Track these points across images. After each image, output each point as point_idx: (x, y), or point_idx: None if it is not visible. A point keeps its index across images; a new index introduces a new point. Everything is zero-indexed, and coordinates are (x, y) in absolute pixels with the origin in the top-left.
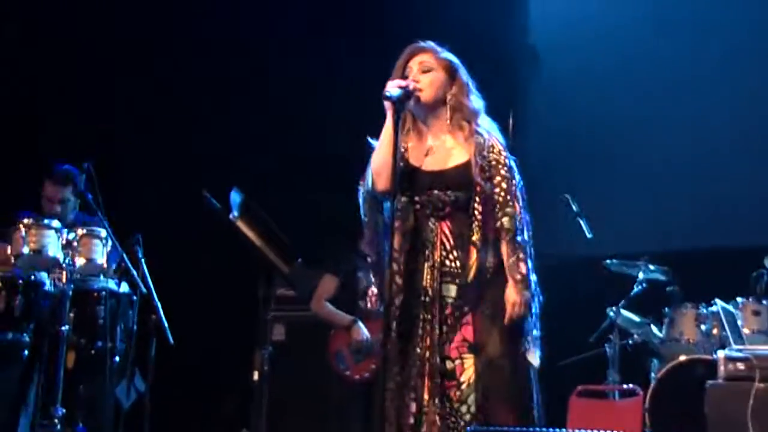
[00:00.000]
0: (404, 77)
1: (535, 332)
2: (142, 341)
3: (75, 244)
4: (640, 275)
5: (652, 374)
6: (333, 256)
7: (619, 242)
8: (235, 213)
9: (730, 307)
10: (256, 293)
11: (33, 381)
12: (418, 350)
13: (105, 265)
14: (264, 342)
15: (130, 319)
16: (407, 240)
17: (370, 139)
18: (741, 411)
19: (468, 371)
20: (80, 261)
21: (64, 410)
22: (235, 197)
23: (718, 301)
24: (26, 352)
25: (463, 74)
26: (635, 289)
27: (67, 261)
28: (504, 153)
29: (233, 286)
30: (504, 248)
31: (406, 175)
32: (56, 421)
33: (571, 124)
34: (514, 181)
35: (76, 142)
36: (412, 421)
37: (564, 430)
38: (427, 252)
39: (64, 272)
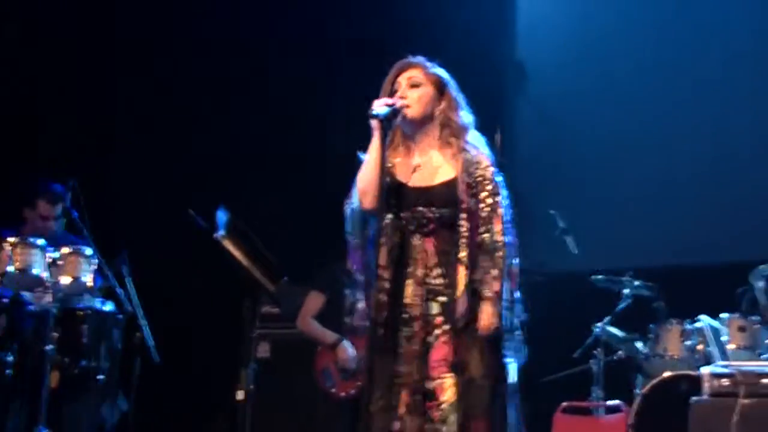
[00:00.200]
0: (393, 92)
1: (513, 349)
2: (127, 360)
3: (60, 262)
4: (626, 291)
5: (637, 390)
6: (320, 272)
7: (605, 258)
8: (221, 231)
9: (715, 323)
10: (241, 311)
11: (17, 401)
12: (401, 368)
13: (90, 284)
14: (249, 360)
15: (115, 338)
16: (392, 256)
17: (359, 154)
18: (725, 427)
19: (448, 391)
20: (66, 280)
21: (48, 430)
22: (221, 216)
23: (703, 317)
24: (10, 371)
25: (453, 89)
26: (620, 305)
27: (51, 280)
28: (491, 169)
29: (218, 305)
30: (481, 263)
31: (392, 191)
32: None
33: (558, 140)
34: (499, 198)
35: (61, 157)
36: None
37: None
38: (410, 268)
39: (49, 291)
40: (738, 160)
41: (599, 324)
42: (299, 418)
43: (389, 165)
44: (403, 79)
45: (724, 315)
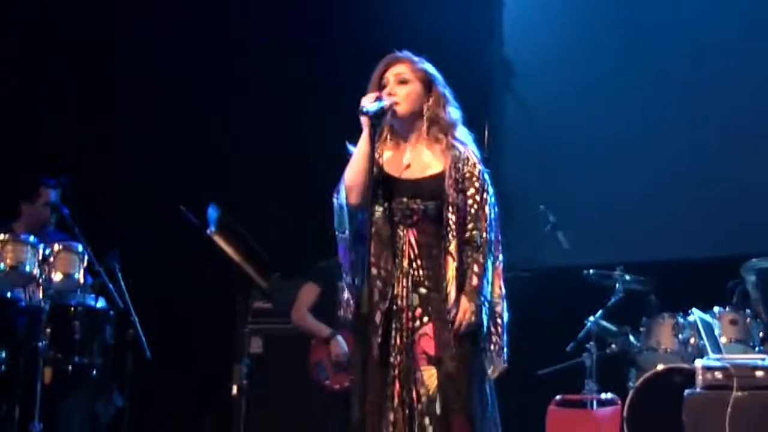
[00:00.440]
0: (381, 88)
1: (498, 345)
2: (120, 356)
3: (51, 259)
4: (617, 285)
5: (630, 383)
6: (312, 265)
7: (597, 253)
8: (213, 228)
9: (708, 317)
10: (233, 307)
11: (10, 397)
12: (393, 360)
13: (82, 281)
14: (242, 355)
15: (107, 334)
16: (381, 248)
17: (348, 145)
18: (719, 420)
19: (427, 383)
20: (57, 276)
21: (41, 426)
22: (213, 212)
23: (695, 310)
24: (3, 368)
25: (440, 85)
26: (612, 299)
27: (43, 277)
28: (479, 166)
29: (210, 301)
30: (465, 258)
31: (380, 183)
32: None
33: (546, 136)
34: (486, 195)
35: (54, 155)
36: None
37: None
38: (396, 260)
39: (40, 288)
40: (729, 154)
41: (591, 318)
42: (292, 412)
43: (377, 156)
44: (390, 75)
45: (716, 309)
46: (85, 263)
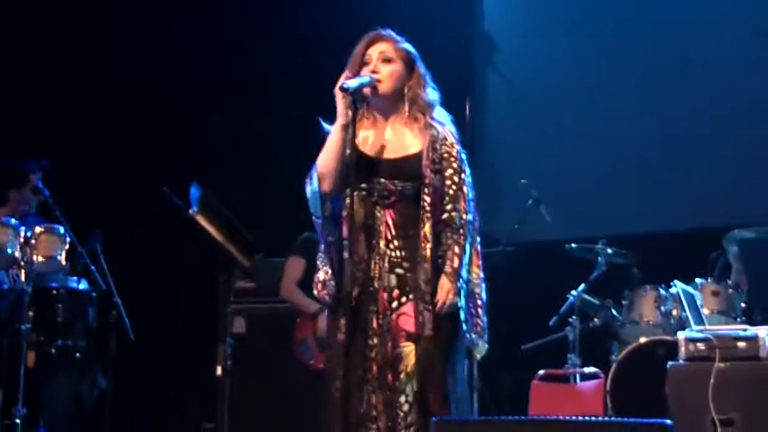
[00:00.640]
0: (363, 64)
1: (480, 327)
2: (103, 338)
3: (33, 242)
4: (600, 258)
5: (613, 357)
6: (298, 240)
7: (579, 227)
8: (195, 208)
9: (690, 289)
10: (215, 287)
11: None
12: (371, 341)
13: (64, 263)
14: (225, 335)
15: (90, 316)
16: (357, 229)
17: (322, 122)
18: (702, 391)
19: (405, 360)
20: (39, 259)
21: (25, 409)
22: (195, 192)
23: (677, 282)
24: None
25: (421, 66)
26: (595, 273)
27: (25, 259)
28: (456, 146)
29: (193, 281)
30: (444, 239)
31: (357, 163)
32: (18, 420)
33: (529, 110)
34: (464, 175)
35: (32, 138)
36: (365, 412)
37: (526, 415)
38: (372, 241)
39: (23, 270)
40: (711, 126)
41: (574, 292)
42: (277, 392)
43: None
44: (374, 52)
45: (698, 280)
46: (67, 245)
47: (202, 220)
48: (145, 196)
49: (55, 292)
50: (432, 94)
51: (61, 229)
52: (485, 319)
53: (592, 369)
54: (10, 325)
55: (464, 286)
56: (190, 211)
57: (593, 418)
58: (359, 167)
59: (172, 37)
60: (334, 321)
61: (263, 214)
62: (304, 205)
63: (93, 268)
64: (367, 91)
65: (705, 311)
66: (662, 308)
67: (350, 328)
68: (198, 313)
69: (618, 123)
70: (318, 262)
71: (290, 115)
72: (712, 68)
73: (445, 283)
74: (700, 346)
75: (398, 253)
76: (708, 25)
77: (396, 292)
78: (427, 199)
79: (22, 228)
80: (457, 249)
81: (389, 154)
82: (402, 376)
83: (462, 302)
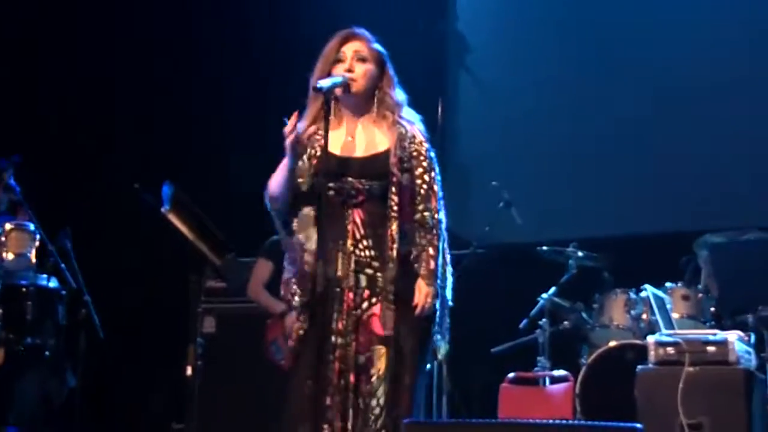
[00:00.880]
0: (336, 61)
1: (444, 327)
2: (73, 336)
3: (3, 239)
4: (571, 262)
5: (583, 360)
6: (266, 242)
7: (550, 229)
8: (167, 206)
9: (660, 293)
10: (185, 286)
11: None
12: (334, 342)
13: (34, 260)
14: (195, 335)
15: (60, 314)
16: (324, 228)
17: (285, 120)
18: (671, 395)
19: (377, 363)
20: (9, 256)
21: None
22: (167, 190)
23: (647, 286)
24: None
25: (390, 67)
26: (566, 276)
27: None
28: (425, 145)
29: (163, 280)
30: (418, 240)
31: (323, 161)
32: None
33: (500, 112)
34: (433, 174)
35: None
36: (333, 416)
37: (495, 417)
38: (340, 240)
39: None
40: (682, 130)
41: (545, 295)
42: (247, 392)
43: (318, 137)
44: (348, 50)
45: (668, 284)
46: (37, 243)
47: (173, 219)
48: (116, 194)
49: (24, 289)
50: (400, 94)
51: (32, 227)
52: (448, 320)
53: (561, 372)
54: None
55: (440, 286)
56: (162, 209)
57: (565, 422)
58: (327, 166)
59: (133, 37)
60: (298, 321)
61: (234, 213)
62: (249, 182)
63: (63, 265)
64: (338, 90)
65: (675, 315)
66: (632, 312)
67: (313, 328)
68: (168, 313)
69: (589, 126)
70: (285, 263)
71: (261, 115)
72: (684, 71)
73: (423, 287)
74: (670, 350)
75: (368, 252)
76: (682, 25)
77: (366, 292)
78: (395, 198)
79: None
80: (431, 250)
81: (357, 153)
82: (374, 379)
83: (438, 303)
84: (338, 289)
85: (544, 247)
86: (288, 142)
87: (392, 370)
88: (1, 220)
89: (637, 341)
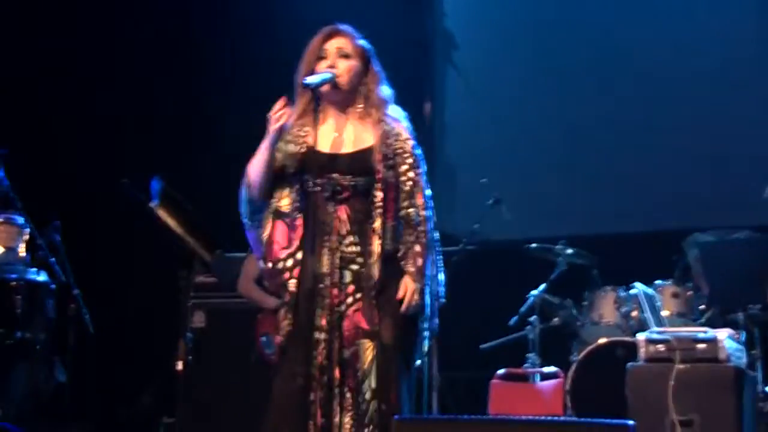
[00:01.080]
0: (320, 58)
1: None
2: (62, 331)
3: None
4: (560, 259)
5: (573, 357)
6: None
7: (539, 226)
8: (156, 201)
9: (650, 290)
10: (176, 281)
11: None
12: (319, 336)
13: (23, 254)
14: (185, 330)
15: (49, 308)
16: (308, 224)
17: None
18: (661, 392)
19: (363, 356)
20: None
21: None
22: (156, 185)
23: (637, 284)
24: None
25: (376, 63)
26: (555, 273)
27: None
28: (411, 142)
29: (153, 275)
30: (405, 237)
31: (307, 157)
32: None
33: (489, 108)
34: (419, 171)
35: None
36: (315, 411)
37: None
38: (325, 237)
39: None
40: (671, 129)
41: (534, 291)
42: (237, 386)
43: (303, 134)
44: (331, 47)
45: (658, 282)
46: (27, 236)
47: (162, 214)
48: (106, 188)
49: (14, 283)
50: (386, 90)
51: (21, 220)
52: (436, 320)
53: (551, 369)
54: None
55: (428, 284)
56: (151, 204)
57: (557, 418)
58: (311, 163)
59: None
60: (284, 317)
61: (224, 209)
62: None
63: (52, 259)
64: (326, 87)
65: (665, 313)
66: (622, 309)
67: (299, 324)
68: (158, 307)
69: (579, 124)
70: (255, 254)
71: (252, 111)
72: (673, 68)
73: (409, 284)
74: (660, 347)
75: (353, 248)
76: (669, 21)
77: (351, 287)
78: (379, 194)
79: None
80: (418, 247)
81: (342, 149)
82: (359, 373)
83: (427, 300)
84: (322, 285)
85: (534, 245)
86: (272, 128)
87: (379, 365)
88: None
89: (627, 338)
